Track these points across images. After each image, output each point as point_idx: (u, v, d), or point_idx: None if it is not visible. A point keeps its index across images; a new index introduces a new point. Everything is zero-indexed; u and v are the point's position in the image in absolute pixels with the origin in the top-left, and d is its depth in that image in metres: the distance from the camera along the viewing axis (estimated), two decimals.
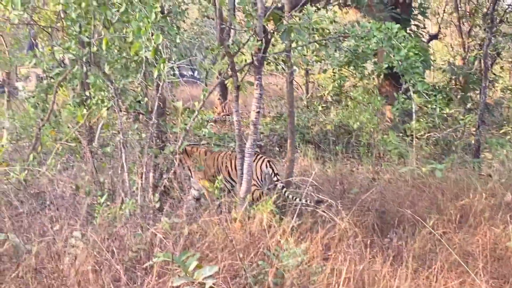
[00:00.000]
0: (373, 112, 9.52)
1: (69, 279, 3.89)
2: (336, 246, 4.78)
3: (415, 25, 11.69)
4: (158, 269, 3.95)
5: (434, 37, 15.44)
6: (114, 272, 3.97)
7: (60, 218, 5.09)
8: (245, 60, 6.79)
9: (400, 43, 5.80)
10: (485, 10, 13.52)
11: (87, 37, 5.69)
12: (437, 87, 10.38)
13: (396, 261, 4.78)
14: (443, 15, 17.23)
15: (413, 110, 9.49)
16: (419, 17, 12.02)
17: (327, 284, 4.12)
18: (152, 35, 4.54)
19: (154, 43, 4.46)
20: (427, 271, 4.62)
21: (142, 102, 6.35)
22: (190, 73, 23.02)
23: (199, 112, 6.36)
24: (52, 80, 9.11)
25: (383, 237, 5.51)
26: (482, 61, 11.81)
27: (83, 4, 5.22)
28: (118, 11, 4.79)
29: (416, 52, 5.90)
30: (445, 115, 10.46)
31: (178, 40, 7.24)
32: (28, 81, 15.64)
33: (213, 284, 3.47)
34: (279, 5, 7.04)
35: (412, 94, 9.25)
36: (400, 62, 5.86)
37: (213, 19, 17.53)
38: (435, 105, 5.99)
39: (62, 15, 9.25)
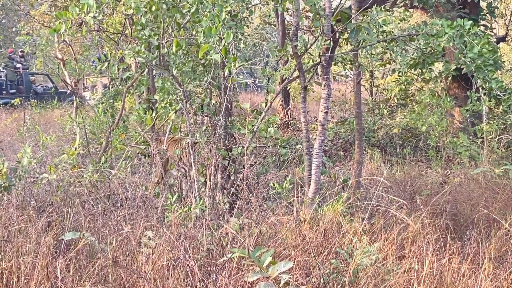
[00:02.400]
0: (442, 114, 9.30)
1: (146, 273, 3.94)
2: (410, 246, 4.66)
3: (483, 25, 11.37)
4: (232, 265, 3.96)
5: (501, 39, 15.00)
6: (189, 268, 4.00)
7: (132, 218, 5.20)
8: (312, 61, 6.76)
9: (473, 40, 5.64)
10: None
11: (156, 40, 5.80)
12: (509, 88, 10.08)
13: (473, 262, 4.62)
14: (511, 17, 16.74)
15: (484, 112, 9.23)
16: (488, 17, 11.68)
17: (404, 282, 4.03)
18: (222, 35, 4.58)
19: (225, 42, 4.49)
20: (507, 272, 4.45)
21: (210, 105, 6.41)
22: (251, 80, 23.17)
23: (266, 114, 6.38)
24: (120, 86, 9.37)
25: (457, 238, 5.35)
26: None
27: (153, 8, 5.32)
28: (189, 11, 4.85)
29: (490, 48, 5.72)
30: None
31: (242, 45, 7.31)
32: (95, 90, 16.18)
33: (289, 280, 3.45)
34: (346, 5, 6.97)
35: (482, 95, 9.00)
36: (472, 60, 5.69)
37: (274, 26, 17.71)
38: (511, 103, 5.82)
39: (129, 23, 9.52)
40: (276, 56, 6.71)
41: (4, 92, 20.29)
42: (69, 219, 5.00)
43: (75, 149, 6.84)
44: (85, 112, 10.33)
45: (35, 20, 12.66)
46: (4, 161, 5.75)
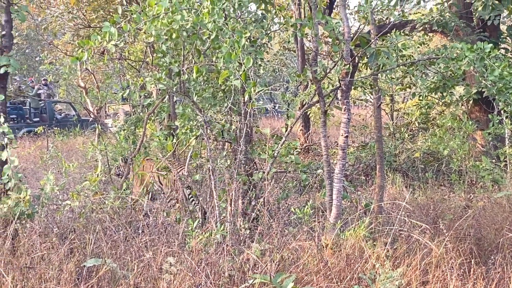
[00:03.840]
0: (464, 138, 9.23)
1: None
2: (434, 271, 4.59)
3: (503, 48, 11.32)
4: None
5: None
6: None
7: (153, 244, 5.20)
8: (332, 85, 6.77)
9: (494, 63, 5.60)
10: None
11: (177, 67, 5.86)
12: None
13: (498, 287, 4.54)
14: None
15: (506, 135, 9.14)
16: (508, 40, 11.62)
17: None
18: (242, 60, 4.61)
19: (245, 67, 4.53)
20: None
21: (230, 130, 6.43)
22: (272, 105, 23.24)
23: (286, 139, 6.38)
24: (141, 113, 9.46)
25: (481, 263, 5.26)
26: None
27: (174, 35, 5.38)
28: (209, 38, 4.91)
29: (511, 71, 5.68)
30: None
31: (261, 71, 7.35)
32: (116, 117, 16.34)
33: None
34: (365, 30, 7.00)
35: (504, 118, 8.92)
36: (493, 83, 5.66)
37: (294, 51, 17.81)
38: None
39: (150, 50, 9.64)
40: (296, 81, 6.74)
41: (28, 120, 20.60)
42: (91, 246, 5.02)
43: (97, 176, 6.89)
44: (107, 139, 10.43)
45: (58, 49, 12.91)
46: (28, 189, 5.80)
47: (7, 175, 5.79)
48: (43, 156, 10.55)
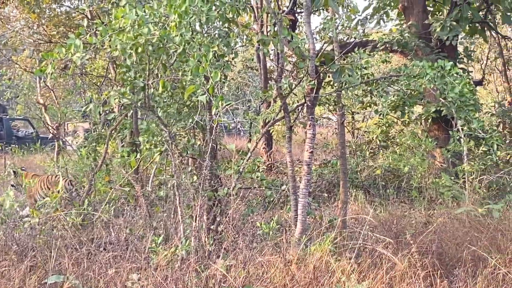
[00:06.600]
0: (424, 155, 9.39)
1: None
2: (399, 284, 4.64)
3: (461, 68, 11.61)
4: None
5: (478, 83, 15.30)
6: None
7: (116, 261, 5.12)
8: (297, 101, 6.83)
9: (454, 81, 5.74)
10: None
11: (141, 81, 5.82)
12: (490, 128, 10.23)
13: None
14: (487, 62, 17.17)
15: (464, 152, 9.34)
16: (464, 60, 11.95)
17: None
18: (209, 74, 4.62)
19: (212, 81, 4.53)
20: None
21: (195, 146, 6.41)
22: (233, 125, 23.28)
23: (251, 155, 6.38)
24: (102, 131, 9.35)
25: (443, 277, 5.33)
26: None
27: (139, 49, 5.34)
28: (175, 51, 4.90)
29: (471, 89, 5.83)
30: (495, 159, 10.25)
31: (225, 88, 7.36)
32: (76, 135, 16.11)
33: None
34: (329, 48, 7.10)
35: (462, 136, 9.13)
36: (453, 100, 5.80)
37: (256, 70, 17.93)
38: (493, 142, 5.91)
39: (112, 66, 9.56)
40: (260, 98, 6.80)
41: None
42: (52, 263, 4.91)
43: (58, 192, 6.76)
44: (67, 156, 10.27)
45: (18, 65, 12.69)
46: None
47: None
48: (0, 174, 10.30)
